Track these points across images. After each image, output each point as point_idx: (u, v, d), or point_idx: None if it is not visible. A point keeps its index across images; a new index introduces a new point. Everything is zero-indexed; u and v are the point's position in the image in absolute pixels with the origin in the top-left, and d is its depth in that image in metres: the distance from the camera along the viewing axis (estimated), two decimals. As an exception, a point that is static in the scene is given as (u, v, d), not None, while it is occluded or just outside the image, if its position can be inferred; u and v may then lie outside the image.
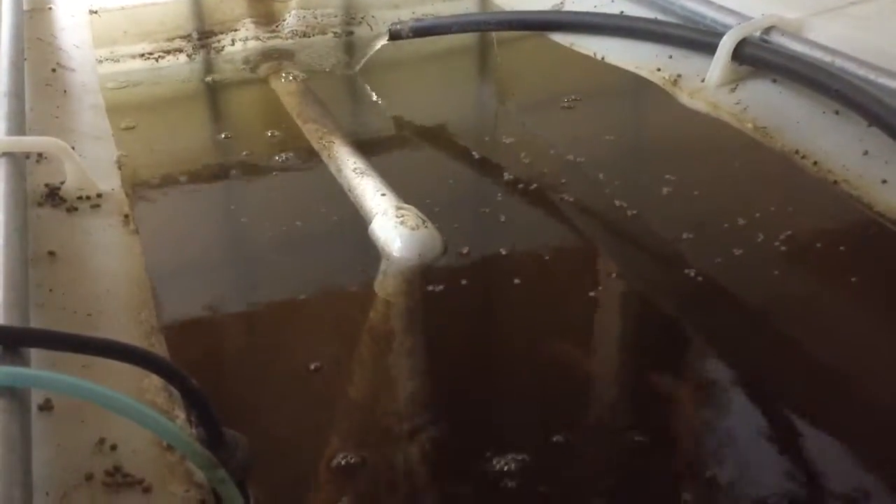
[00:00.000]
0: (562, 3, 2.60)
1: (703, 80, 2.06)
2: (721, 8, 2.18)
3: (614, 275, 1.83)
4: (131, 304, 1.35)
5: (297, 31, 2.91)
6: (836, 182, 1.73)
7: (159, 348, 1.28)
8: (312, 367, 1.51)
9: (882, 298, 1.64)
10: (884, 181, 1.69)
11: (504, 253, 1.84)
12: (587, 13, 2.44)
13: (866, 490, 1.28)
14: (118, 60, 2.72)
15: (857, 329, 1.59)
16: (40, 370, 1.07)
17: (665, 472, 1.34)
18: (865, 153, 1.75)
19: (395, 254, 1.79)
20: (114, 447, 1.06)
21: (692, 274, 1.70)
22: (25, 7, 2.39)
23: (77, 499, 0.99)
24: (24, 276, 1.25)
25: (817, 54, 1.93)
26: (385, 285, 1.76)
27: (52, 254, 1.43)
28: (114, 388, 1.01)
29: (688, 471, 1.34)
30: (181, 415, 1.16)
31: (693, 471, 1.33)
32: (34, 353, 1.11)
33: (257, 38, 2.88)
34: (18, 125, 1.66)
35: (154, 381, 1.17)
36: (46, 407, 1.10)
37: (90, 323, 1.29)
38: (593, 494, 1.31)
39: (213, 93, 2.63)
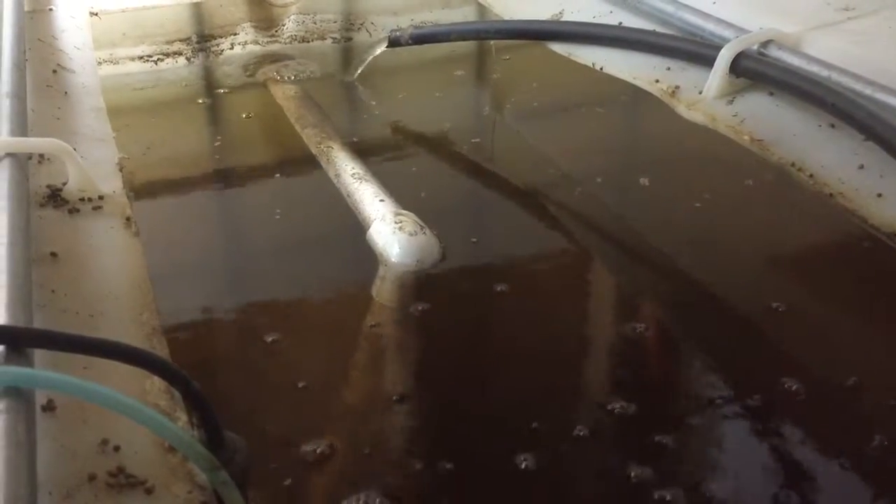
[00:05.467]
0: (560, 13, 2.62)
1: (700, 93, 2.08)
2: (719, 21, 2.20)
3: (610, 285, 1.84)
4: (133, 306, 1.36)
5: (296, 36, 2.92)
6: (831, 195, 1.75)
7: (161, 350, 1.29)
8: (310, 370, 1.52)
9: (877, 312, 1.66)
10: (879, 195, 1.71)
11: (502, 260, 1.85)
12: (586, 24, 2.46)
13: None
14: (117, 63, 2.73)
15: (852, 342, 1.61)
16: (44, 370, 1.08)
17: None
18: (861, 167, 1.77)
19: (393, 259, 1.80)
20: (117, 448, 1.07)
21: (686, 285, 1.72)
22: (26, 8, 2.39)
23: (80, 498, 0.99)
24: (27, 276, 1.26)
25: (814, 68, 1.95)
26: (383, 291, 1.76)
27: (54, 255, 1.43)
28: (116, 390, 1.01)
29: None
30: (183, 417, 1.17)
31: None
32: (36, 354, 1.12)
33: (257, 43, 2.90)
34: (21, 126, 1.66)
35: (156, 382, 1.18)
36: (49, 407, 1.10)
37: (92, 324, 1.30)
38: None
39: (212, 96, 2.64)
